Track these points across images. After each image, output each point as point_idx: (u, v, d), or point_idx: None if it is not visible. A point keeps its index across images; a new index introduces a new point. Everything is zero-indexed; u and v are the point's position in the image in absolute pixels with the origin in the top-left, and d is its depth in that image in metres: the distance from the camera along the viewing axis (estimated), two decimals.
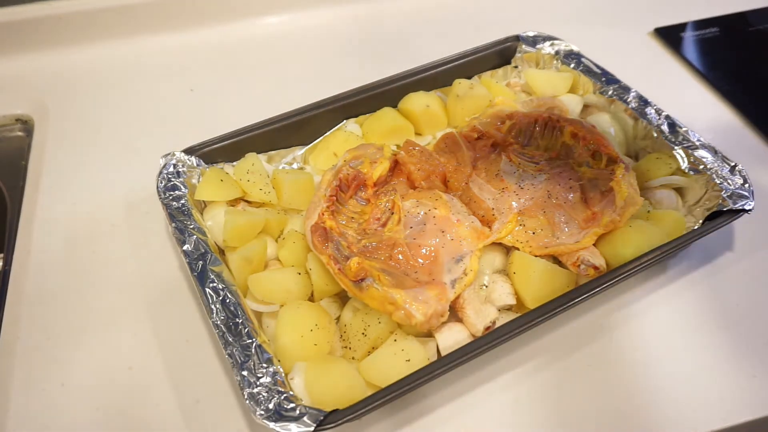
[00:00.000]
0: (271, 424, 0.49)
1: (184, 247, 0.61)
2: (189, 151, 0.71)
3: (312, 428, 0.49)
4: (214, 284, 0.58)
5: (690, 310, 0.65)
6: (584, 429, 0.56)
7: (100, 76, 0.94)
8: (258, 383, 0.52)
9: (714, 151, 0.69)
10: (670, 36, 0.98)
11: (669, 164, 0.70)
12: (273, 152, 0.75)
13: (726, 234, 0.71)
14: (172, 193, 0.67)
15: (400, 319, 0.56)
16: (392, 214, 0.63)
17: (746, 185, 0.66)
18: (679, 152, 0.70)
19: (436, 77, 0.82)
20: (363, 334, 0.58)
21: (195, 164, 0.70)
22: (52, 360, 0.62)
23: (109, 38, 0.98)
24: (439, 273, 0.59)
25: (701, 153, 0.69)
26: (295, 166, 0.76)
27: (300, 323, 0.57)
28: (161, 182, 0.67)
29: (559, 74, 0.82)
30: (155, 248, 0.71)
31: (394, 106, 0.79)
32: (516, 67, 0.86)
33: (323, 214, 0.62)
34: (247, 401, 0.50)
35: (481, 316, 0.59)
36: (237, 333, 0.55)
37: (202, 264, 0.60)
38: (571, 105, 0.79)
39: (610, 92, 0.78)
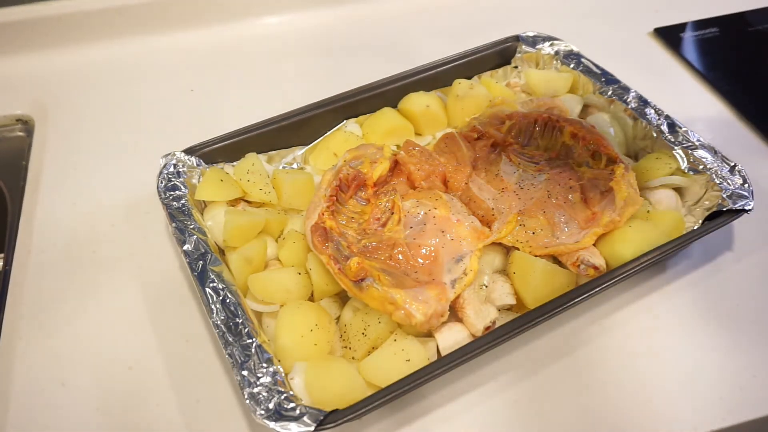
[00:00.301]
0: (272, 424, 0.49)
1: (185, 247, 0.61)
2: (189, 151, 0.71)
3: (312, 428, 0.49)
4: (215, 284, 0.58)
5: (690, 309, 0.65)
6: (585, 428, 0.56)
7: (100, 76, 0.94)
8: (258, 383, 0.52)
9: (714, 151, 0.69)
10: (669, 36, 0.98)
11: (669, 164, 0.70)
12: (273, 152, 0.75)
13: (726, 234, 0.71)
14: (172, 193, 0.67)
15: (400, 319, 0.56)
16: (392, 214, 0.63)
17: (746, 185, 0.66)
18: (678, 152, 0.70)
19: (436, 77, 0.82)
20: (363, 334, 0.58)
21: (195, 164, 0.71)
22: (52, 360, 0.62)
23: (109, 38, 0.98)
24: (439, 273, 0.59)
25: (701, 153, 0.69)
26: (295, 166, 0.76)
27: (300, 323, 0.57)
28: (161, 182, 0.67)
29: (558, 74, 0.82)
30: (155, 248, 0.71)
31: (394, 106, 0.79)
32: (516, 67, 0.86)
33: (323, 214, 0.62)
34: (247, 401, 0.50)
35: (481, 316, 0.59)
36: (237, 333, 0.55)
37: (203, 264, 0.60)
38: (571, 105, 0.79)
39: (609, 92, 0.78)
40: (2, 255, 0.82)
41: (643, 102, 0.76)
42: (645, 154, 0.74)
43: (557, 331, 0.63)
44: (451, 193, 0.67)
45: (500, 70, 0.86)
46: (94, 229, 0.73)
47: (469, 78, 0.83)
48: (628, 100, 0.76)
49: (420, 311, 0.56)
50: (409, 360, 0.55)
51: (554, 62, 0.84)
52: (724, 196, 0.65)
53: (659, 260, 0.61)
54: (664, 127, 0.73)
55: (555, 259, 0.64)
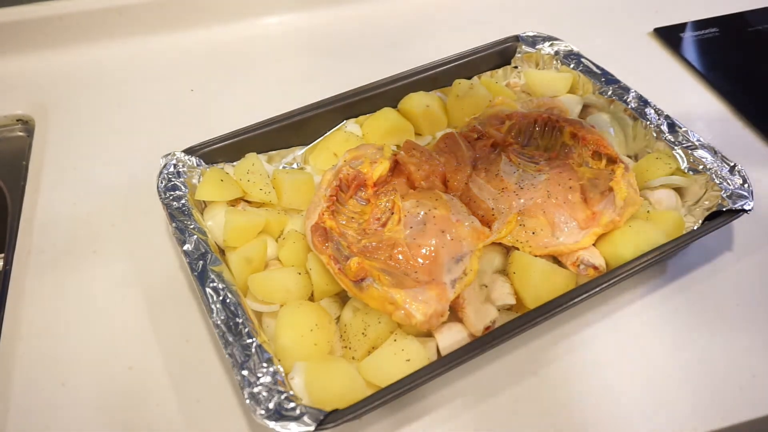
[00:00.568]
0: (272, 424, 0.49)
1: (185, 247, 0.61)
2: (189, 151, 0.71)
3: (312, 428, 0.49)
4: (215, 284, 0.59)
5: (689, 309, 0.65)
6: (584, 428, 0.56)
7: (100, 76, 0.94)
8: (258, 383, 0.52)
9: (713, 151, 0.69)
10: (669, 36, 0.98)
11: (668, 164, 0.70)
12: (273, 152, 0.76)
13: (725, 234, 0.71)
14: (172, 193, 0.67)
15: (400, 319, 0.56)
16: (392, 214, 0.63)
17: (745, 185, 0.66)
18: (678, 152, 0.70)
19: (436, 77, 0.82)
20: (363, 334, 0.58)
21: (195, 164, 0.71)
22: (52, 360, 0.62)
23: (109, 38, 0.98)
24: (439, 273, 0.59)
25: (701, 153, 0.69)
26: (295, 166, 0.76)
27: (300, 323, 0.57)
28: (161, 182, 0.67)
29: (558, 74, 0.82)
30: (155, 248, 0.71)
31: (394, 106, 0.79)
32: (516, 67, 0.86)
33: (323, 214, 0.62)
34: (248, 401, 0.50)
35: (480, 316, 0.59)
36: (237, 333, 0.55)
37: (203, 264, 0.60)
38: (571, 105, 0.79)
39: (609, 92, 0.78)
40: (2, 255, 0.82)
41: (643, 102, 0.76)
42: (645, 154, 0.74)
43: (557, 332, 0.63)
44: (451, 193, 0.67)
45: (500, 70, 0.86)
46: (94, 229, 0.73)
47: (469, 78, 0.83)
48: (628, 100, 0.76)
49: (420, 311, 0.56)
50: (409, 360, 0.55)
51: (554, 62, 0.84)
52: (724, 196, 0.65)
53: (659, 260, 0.61)
54: (664, 127, 0.73)
55: (555, 259, 0.64)
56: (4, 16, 0.93)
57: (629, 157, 0.76)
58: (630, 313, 0.64)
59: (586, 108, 0.81)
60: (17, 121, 0.90)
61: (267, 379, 0.52)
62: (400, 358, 0.55)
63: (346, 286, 0.58)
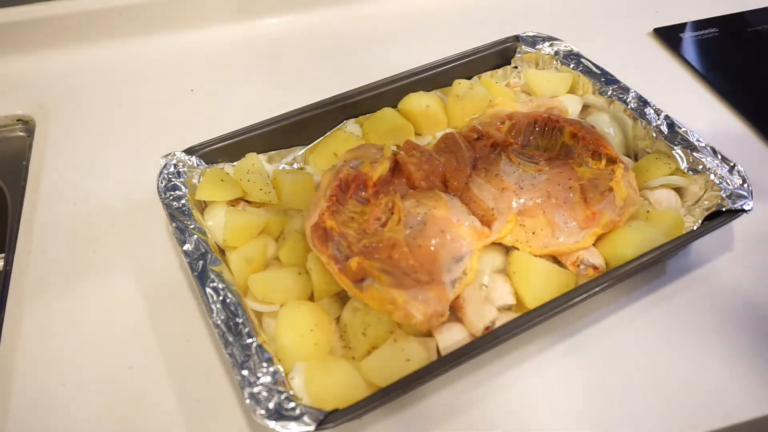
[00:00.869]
0: (272, 424, 0.49)
1: (185, 247, 0.61)
2: (189, 151, 0.71)
3: (312, 428, 0.49)
4: (215, 284, 0.59)
5: (689, 309, 0.65)
6: (584, 427, 0.56)
7: (100, 76, 0.94)
8: (258, 383, 0.52)
9: (713, 151, 0.70)
10: (669, 36, 0.98)
11: (668, 164, 0.70)
12: (273, 152, 0.76)
13: (725, 234, 0.71)
14: (172, 193, 0.67)
15: (400, 319, 0.56)
16: (392, 214, 0.63)
17: (745, 185, 0.66)
18: (678, 152, 0.70)
19: (436, 77, 0.82)
20: (363, 334, 0.58)
21: (195, 164, 0.71)
22: (52, 360, 0.62)
23: (109, 38, 0.98)
24: (439, 273, 0.59)
25: (700, 153, 0.69)
26: (295, 166, 0.76)
27: (300, 323, 0.57)
28: (162, 182, 0.68)
29: (558, 74, 0.82)
30: (156, 248, 0.71)
31: (394, 106, 0.79)
32: (516, 67, 0.86)
33: (323, 214, 0.62)
34: (248, 401, 0.51)
35: (480, 316, 0.59)
36: (237, 333, 0.55)
37: (203, 264, 0.60)
38: (571, 105, 0.79)
39: (609, 92, 0.78)
40: (3, 255, 0.82)
41: (643, 102, 0.76)
42: (644, 154, 0.74)
43: (556, 332, 0.63)
44: (451, 193, 0.67)
45: (500, 70, 0.86)
46: (94, 229, 0.73)
47: (469, 78, 0.83)
48: (628, 100, 0.76)
49: (420, 311, 0.56)
50: (409, 360, 0.55)
51: (554, 62, 0.84)
52: (724, 196, 0.65)
53: (659, 260, 0.61)
54: (664, 127, 0.73)
55: (555, 259, 0.64)
56: (4, 16, 0.93)
57: (629, 157, 0.76)
58: (629, 314, 0.64)
59: (586, 108, 0.81)
60: (17, 121, 0.90)
61: (267, 379, 0.52)
62: (400, 358, 0.55)
63: (346, 286, 0.58)
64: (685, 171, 0.69)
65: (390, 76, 0.80)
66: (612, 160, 0.68)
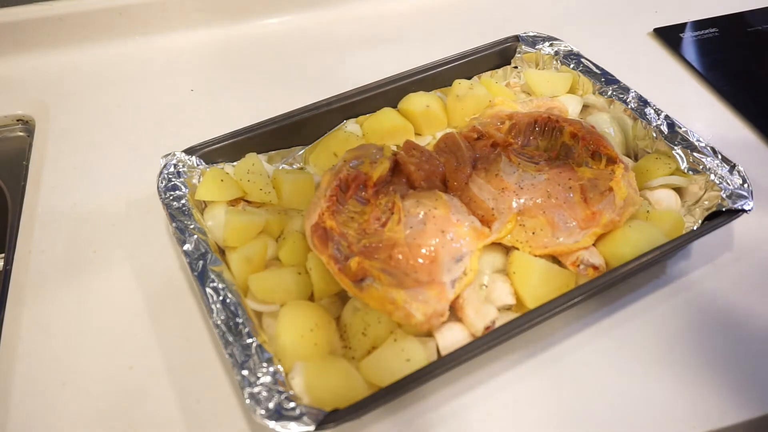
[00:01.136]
0: (272, 424, 0.49)
1: (185, 247, 0.61)
2: (189, 151, 0.71)
3: (312, 428, 0.49)
4: (215, 284, 0.59)
5: (689, 309, 0.65)
6: (583, 426, 0.56)
7: (100, 76, 0.94)
8: (258, 383, 0.52)
9: (713, 151, 0.70)
10: (669, 36, 0.98)
11: (668, 164, 0.70)
12: (273, 152, 0.76)
13: (725, 234, 0.71)
14: (172, 193, 0.67)
15: (400, 319, 0.56)
16: (392, 214, 0.63)
17: (745, 185, 0.66)
18: (678, 152, 0.71)
19: (436, 77, 0.82)
20: (363, 334, 0.58)
21: (195, 164, 0.71)
22: (52, 360, 0.62)
23: (109, 38, 0.98)
24: (438, 273, 0.59)
25: (700, 153, 0.69)
26: (295, 166, 0.76)
27: (300, 323, 0.57)
28: (162, 182, 0.68)
29: (558, 74, 0.82)
30: (156, 248, 0.71)
31: (394, 106, 0.79)
32: (516, 67, 0.86)
33: (323, 214, 0.62)
34: (248, 401, 0.51)
35: (480, 316, 0.59)
36: (237, 333, 0.55)
37: (203, 264, 0.60)
38: (571, 105, 0.79)
39: (609, 92, 0.78)
40: (3, 255, 0.82)
41: (643, 102, 0.76)
42: (645, 154, 0.74)
43: (557, 333, 0.63)
44: (451, 193, 0.67)
45: (500, 70, 0.86)
46: (94, 229, 0.73)
47: (469, 78, 0.83)
48: (628, 100, 0.76)
49: (420, 311, 0.56)
50: (409, 360, 0.55)
51: (554, 62, 0.84)
52: (724, 196, 0.65)
53: (659, 260, 0.61)
54: (664, 127, 0.73)
55: (555, 259, 0.64)
56: (4, 16, 0.93)
57: (629, 157, 0.76)
58: (629, 314, 0.64)
59: (586, 108, 0.81)
60: (17, 121, 0.90)
61: (267, 379, 0.52)
62: (400, 358, 0.55)
63: (346, 286, 0.58)
64: (685, 171, 0.69)
65: (390, 76, 0.80)
66: (612, 160, 0.68)
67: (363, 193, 0.66)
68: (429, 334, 0.59)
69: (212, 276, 0.59)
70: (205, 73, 0.95)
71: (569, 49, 0.84)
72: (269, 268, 0.64)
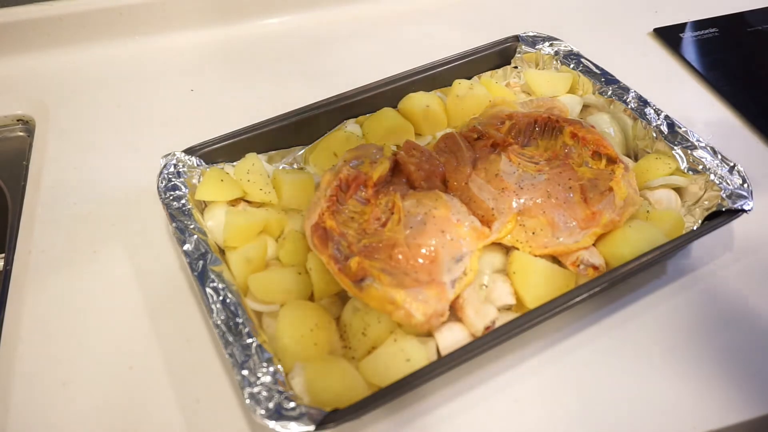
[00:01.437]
0: (272, 424, 0.49)
1: (185, 247, 0.61)
2: (189, 151, 0.71)
3: (312, 428, 0.49)
4: (215, 284, 0.59)
5: (689, 309, 0.65)
6: (584, 426, 0.56)
7: (100, 76, 0.94)
8: (258, 383, 0.52)
9: (713, 151, 0.70)
10: (669, 36, 0.98)
11: (668, 164, 0.70)
12: (273, 152, 0.76)
13: (725, 234, 0.71)
14: (172, 193, 0.67)
15: (400, 319, 0.56)
16: (392, 214, 0.63)
17: (745, 185, 0.66)
18: (678, 152, 0.71)
19: (436, 77, 0.82)
20: (363, 334, 0.58)
21: (195, 164, 0.71)
22: (53, 360, 0.62)
23: (109, 38, 0.98)
24: (438, 273, 0.59)
25: (700, 153, 0.69)
26: (295, 166, 0.76)
27: (300, 323, 0.57)
28: (162, 182, 0.68)
29: (558, 74, 0.83)
30: (155, 248, 0.71)
31: (394, 106, 0.79)
32: (516, 67, 0.86)
33: (323, 214, 0.62)
34: (248, 401, 0.51)
35: (480, 316, 0.59)
36: (237, 333, 0.55)
37: (203, 264, 0.60)
38: (571, 105, 0.79)
39: (609, 92, 0.78)
40: (3, 255, 0.82)
41: (643, 102, 0.76)
42: (644, 154, 0.74)
43: (557, 332, 0.63)
44: (451, 193, 0.67)
45: (500, 70, 0.86)
46: (94, 229, 0.73)
47: (469, 78, 0.83)
48: (628, 100, 0.76)
49: (420, 311, 0.56)
50: (409, 360, 0.55)
51: (554, 62, 0.84)
52: (724, 196, 0.65)
53: (659, 260, 0.61)
54: (664, 127, 0.73)
55: (555, 259, 0.64)
56: (4, 16, 0.93)
57: (629, 157, 0.76)
58: (629, 314, 0.64)
59: (586, 108, 0.81)
60: (17, 121, 0.90)
61: (267, 379, 0.52)
62: (400, 358, 0.55)
63: (346, 286, 0.58)
64: (685, 171, 0.69)
65: (390, 76, 0.80)
66: (612, 160, 0.68)
67: (363, 193, 0.66)
68: (429, 334, 0.59)
69: (212, 276, 0.59)
70: (205, 73, 0.95)
71: (569, 49, 0.84)
72: (269, 268, 0.64)
